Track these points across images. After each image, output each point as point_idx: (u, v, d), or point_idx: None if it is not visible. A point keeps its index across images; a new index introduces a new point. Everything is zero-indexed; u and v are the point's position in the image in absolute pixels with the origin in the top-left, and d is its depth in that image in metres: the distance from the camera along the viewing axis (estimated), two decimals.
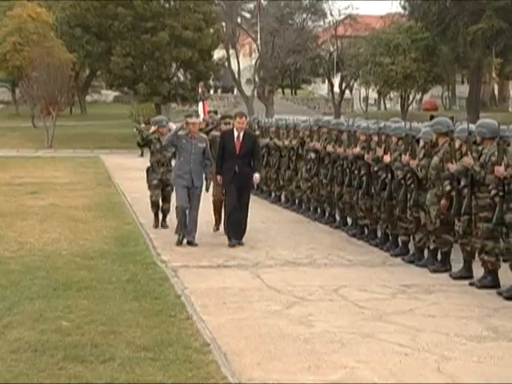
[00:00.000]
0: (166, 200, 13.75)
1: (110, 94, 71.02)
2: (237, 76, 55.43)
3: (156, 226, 13.58)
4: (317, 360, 6.43)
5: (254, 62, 59.02)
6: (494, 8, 41.09)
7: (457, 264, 9.84)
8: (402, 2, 52.63)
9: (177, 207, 12.07)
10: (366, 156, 11.60)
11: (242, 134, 12.08)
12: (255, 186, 14.81)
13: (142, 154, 29.39)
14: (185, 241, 11.89)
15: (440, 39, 46.77)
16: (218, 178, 12.22)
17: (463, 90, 58.00)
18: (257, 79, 56.16)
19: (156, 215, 13.73)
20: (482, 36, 41.90)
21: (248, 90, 55.87)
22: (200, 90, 25.12)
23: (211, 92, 49.34)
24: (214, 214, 13.28)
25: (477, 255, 9.46)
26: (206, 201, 13.05)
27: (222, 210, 12.76)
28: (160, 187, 13.60)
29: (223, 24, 53.22)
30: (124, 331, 7.06)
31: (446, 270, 9.90)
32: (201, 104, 24.74)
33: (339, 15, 58.89)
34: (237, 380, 5.91)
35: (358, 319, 7.78)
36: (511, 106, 56.65)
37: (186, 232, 11.88)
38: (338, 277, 9.66)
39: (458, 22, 44.10)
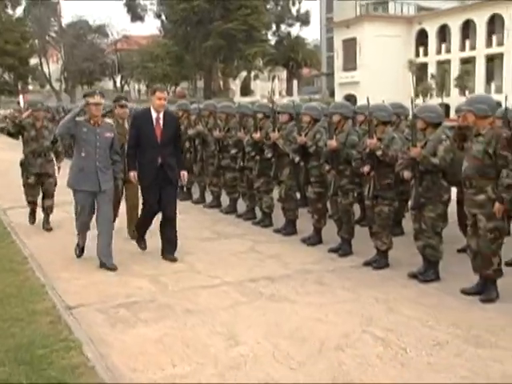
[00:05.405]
0: (47, 195, 7.92)
1: None
2: (48, 76, 53.15)
3: (33, 223, 8.20)
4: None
5: (60, 66, 56.67)
6: (217, 32, 42.13)
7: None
8: (159, 27, 53.35)
9: (77, 220, 6.24)
10: None
11: (162, 116, 6.13)
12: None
13: None
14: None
15: (185, 51, 47.31)
16: (132, 174, 6.17)
17: (201, 84, 58.99)
18: (63, 79, 54.21)
19: (33, 212, 8.20)
20: (210, 50, 42.94)
21: (57, 86, 53.93)
22: (20, 87, 23.30)
23: (30, 87, 46.40)
24: (129, 226, 7.24)
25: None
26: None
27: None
28: (38, 185, 7.93)
29: (36, 40, 50.93)
30: None
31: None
32: (21, 96, 23.24)
33: (118, 35, 59.29)
34: (48, 279, 5.68)
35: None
36: (231, 94, 58.14)
37: (102, 255, 6.04)
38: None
39: (196, 40, 44.90)
